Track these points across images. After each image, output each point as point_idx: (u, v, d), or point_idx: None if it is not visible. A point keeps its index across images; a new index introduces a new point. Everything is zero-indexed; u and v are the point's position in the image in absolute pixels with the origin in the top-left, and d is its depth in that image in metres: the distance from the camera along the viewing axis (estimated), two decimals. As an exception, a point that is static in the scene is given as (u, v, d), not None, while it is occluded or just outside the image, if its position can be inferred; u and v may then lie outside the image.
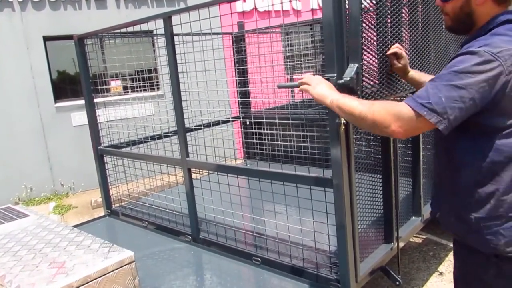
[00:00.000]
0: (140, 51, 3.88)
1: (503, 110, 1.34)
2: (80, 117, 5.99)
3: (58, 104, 6.10)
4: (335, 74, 1.83)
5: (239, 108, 4.64)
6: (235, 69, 4.54)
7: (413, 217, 2.84)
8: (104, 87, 3.43)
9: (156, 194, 3.37)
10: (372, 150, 2.54)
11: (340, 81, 1.78)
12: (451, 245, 2.84)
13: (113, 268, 1.72)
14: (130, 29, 2.85)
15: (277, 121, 2.74)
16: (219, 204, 2.64)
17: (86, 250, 1.84)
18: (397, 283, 2.43)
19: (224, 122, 4.24)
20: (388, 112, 1.42)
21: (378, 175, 2.50)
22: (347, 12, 1.83)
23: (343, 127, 1.86)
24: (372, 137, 2.53)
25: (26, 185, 5.96)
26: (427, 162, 2.98)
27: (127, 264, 1.76)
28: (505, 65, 1.30)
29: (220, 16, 2.41)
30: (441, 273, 3.26)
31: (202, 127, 3.20)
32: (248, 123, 4.73)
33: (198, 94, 3.18)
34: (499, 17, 1.42)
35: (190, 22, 2.43)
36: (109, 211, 3.53)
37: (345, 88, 1.76)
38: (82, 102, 3.50)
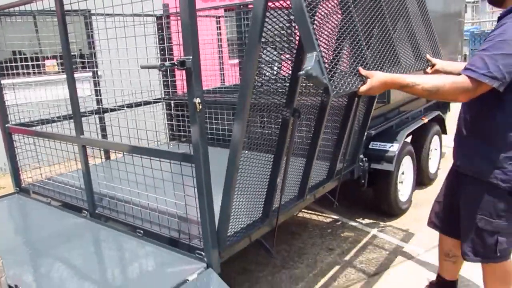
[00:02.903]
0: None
1: None
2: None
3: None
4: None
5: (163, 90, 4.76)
6: (158, 51, 4.63)
7: (297, 197, 3.04)
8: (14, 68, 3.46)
9: (66, 173, 3.45)
10: (268, 131, 2.70)
11: (302, 73, 1.71)
12: (352, 223, 3.22)
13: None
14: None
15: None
16: (116, 182, 2.77)
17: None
18: (271, 254, 2.64)
19: (146, 103, 4.37)
20: (457, 87, 1.83)
21: (270, 155, 2.65)
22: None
23: (200, 106, 2.03)
24: (271, 120, 2.69)
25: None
26: (324, 145, 3.18)
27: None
28: None
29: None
30: (331, 249, 3.51)
31: (116, 108, 3.29)
32: (172, 105, 4.86)
33: (118, 73, 3.22)
34: None
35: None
36: (18, 188, 3.58)
37: (311, 80, 1.73)
38: (16, 81, 3.52)
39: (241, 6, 4.68)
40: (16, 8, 3.05)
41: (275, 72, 6.56)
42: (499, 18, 1.97)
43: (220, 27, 5.06)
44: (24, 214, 3.27)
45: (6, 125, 3.45)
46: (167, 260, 2.32)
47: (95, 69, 3.64)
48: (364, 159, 3.71)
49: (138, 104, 4.35)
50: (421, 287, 2.87)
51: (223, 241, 2.32)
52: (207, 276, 2.18)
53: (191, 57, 1.96)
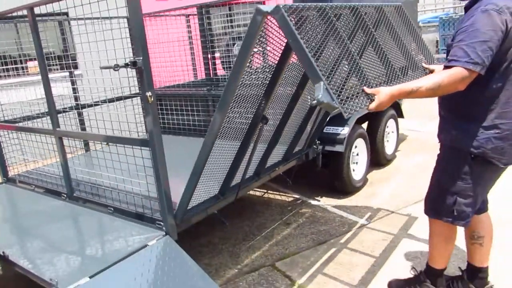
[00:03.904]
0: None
1: (503, 50, 2.05)
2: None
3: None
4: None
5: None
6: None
7: (253, 176, 3.45)
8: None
9: (48, 164, 3.84)
10: (240, 121, 3.02)
11: (314, 102, 1.85)
12: (310, 201, 3.68)
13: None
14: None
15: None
16: (90, 168, 3.17)
17: None
18: (224, 224, 3.06)
19: (118, 99, 4.74)
20: (455, 78, 2.01)
21: (237, 143, 2.99)
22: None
23: (151, 99, 2.42)
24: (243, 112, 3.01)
25: None
26: (288, 132, 3.54)
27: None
28: (507, 17, 2.00)
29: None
30: (288, 223, 3.94)
31: (94, 104, 3.67)
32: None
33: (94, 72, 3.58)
34: None
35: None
36: (5, 178, 3.96)
37: (323, 106, 1.86)
38: (13, 81, 3.87)
39: (202, 7, 5.03)
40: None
41: (250, 65, 6.99)
42: (466, 9, 2.20)
43: (189, 25, 5.42)
44: (11, 200, 3.66)
45: (-9, 122, 3.82)
46: (132, 230, 2.73)
47: (72, 70, 4.02)
48: (317, 142, 4.12)
49: (111, 100, 4.72)
50: (360, 249, 3.31)
51: (182, 214, 2.73)
52: (164, 241, 2.59)
53: (141, 58, 2.35)
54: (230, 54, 6.22)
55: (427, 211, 2.52)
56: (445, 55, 2.37)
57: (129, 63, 2.35)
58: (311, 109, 3.51)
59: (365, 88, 2.04)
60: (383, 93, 2.01)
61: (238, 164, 3.00)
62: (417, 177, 4.75)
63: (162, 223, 2.68)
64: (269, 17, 2.08)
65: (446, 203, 2.36)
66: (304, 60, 1.90)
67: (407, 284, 2.70)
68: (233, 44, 6.55)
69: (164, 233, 2.64)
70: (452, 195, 2.33)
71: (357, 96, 1.99)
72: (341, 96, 1.88)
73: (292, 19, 1.95)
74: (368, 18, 2.57)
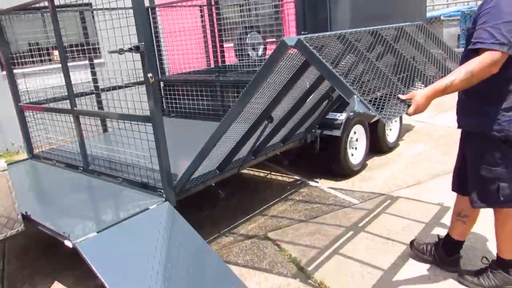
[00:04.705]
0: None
1: None
2: (27, 84, 6.75)
3: (4, 73, 6.84)
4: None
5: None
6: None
7: (250, 156, 3.75)
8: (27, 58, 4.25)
9: (68, 142, 4.26)
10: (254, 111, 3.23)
11: (351, 114, 2.10)
12: (310, 182, 3.94)
13: (-9, 172, 2.60)
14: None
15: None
16: (103, 144, 3.55)
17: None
18: (220, 195, 3.39)
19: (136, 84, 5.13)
20: (485, 63, 2.01)
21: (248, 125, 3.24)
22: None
23: (152, 80, 2.76)
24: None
25: (-21, 143, 6.78)
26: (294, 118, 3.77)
27: (2, 171, 2.65)
28: None
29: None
30: (285, 200, 4.24)
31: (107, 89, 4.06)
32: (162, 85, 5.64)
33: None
34: None
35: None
36: (31, 155, 4.41)
37: (360, 116, 2.14)
38: (26, 70, 4.31)
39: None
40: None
41: (260, 54, 7.29)
42: None
43: (202, 15, 5.75)
44: (35, 173, 4.10)
45: (19, 104, 4.26)
46: (137, 197, 3.09)
47: (92, 57, 4.41)
48: (316, 126, 4.39)
49: (127, 85, 5.10)
50: (346, 224, 3.58)
51: (181, 186, 3.06)
52: (163, 206, 2.94)
53: (143, 43, 2.68)
54: (243, 42, 6.54)
55: (476, 203, 2.47)
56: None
57: (132, 48, 2.68)
58: (320, 102, 3.70)
59: (399, 95, 2.08)
60: (419, 96, 2.04)
61: (239, 149, 3.29)
62: (415, 164, 4.96)
63: (162, 191, 3.02)
64: (292, 50, 2.22)
65: (490, 191, 2.36)
66: (334, 81, 2.01)
67: (479, 273, 2.65)
68: (246, 33, 6.86)
69: (164, 200, 2.98)
70: (494, 181, 2.34)
71: (394, 103, 2.06)
72: (376, 104, 1.94)
73: (314, 48, 2.08)
74: (387, 35, 2.72)
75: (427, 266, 2.89)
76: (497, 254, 2.60)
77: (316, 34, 2.25)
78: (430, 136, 6.01)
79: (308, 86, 3.19)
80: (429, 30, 3.22)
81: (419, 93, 2.06)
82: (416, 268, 2.88)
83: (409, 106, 2.05)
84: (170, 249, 2.64)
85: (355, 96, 1.90)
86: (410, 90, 2.19)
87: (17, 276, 3.23)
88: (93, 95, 4.78)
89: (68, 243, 2.52)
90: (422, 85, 2.35)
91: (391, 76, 2.26)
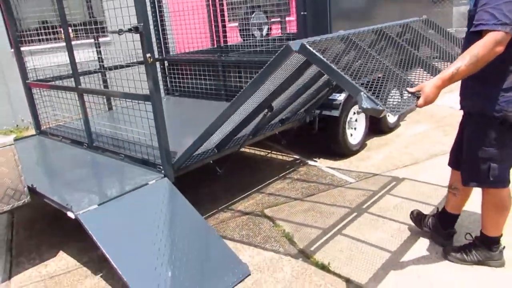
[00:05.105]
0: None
1: None
2: (34, 61, 6.88)
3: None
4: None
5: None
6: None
7: (248, 135, 3.85)
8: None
9: (73, 119, 4.39)
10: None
11: (359, 111, 2.15)
12: (309, 161, 4.03)
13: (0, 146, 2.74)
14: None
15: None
16: (105, 121, 3.68)
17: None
18: (218, 172, 3.51)
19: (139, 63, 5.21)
20: (489, 45, 2.02)
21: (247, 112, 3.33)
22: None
23: (151, 60, 2.85)
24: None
25: (-10, 119, 6.98)
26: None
27: (9, 145, 2.79)
28: None
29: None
30: (284, 179, 4.35)
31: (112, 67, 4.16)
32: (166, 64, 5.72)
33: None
34: None
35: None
36: (39, 131, 4.56)
37: (368, 112, 1.99)
38: (34, 48, 4.42)
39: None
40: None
41: (264, 34, 7.29)
42: None
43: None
44: (42, 148, 4.26)
45: (27, 81, 4.39)
46: (137, 173, 3.23)
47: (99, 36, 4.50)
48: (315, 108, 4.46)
49: (129, 65, 5.17)
50: (340, 202, 3.69)
51: (180, 164, 3.19)
52: (162, 182, 3.07)
53: (142, 23, 2.76)
54: (249, 22, 6.57)
55: (466, 181, 2.56)
56: None
57: (132, 29, 2.77)
58: (321, 89, 3.75)
59: (408, 89, 2.13)
60: (427, 87, 2.07)
61: (238, 131, 3.40)
62: (413, 144, 5.02)
63: (161, 167, 3.15)
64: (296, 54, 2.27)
65: (481, 170, 2.43)
66: (340, 80, 2.06)
67: (462, 249, 2.75)
68: (252, 13, 6.87)
69: (163, 176, 3.11)
70: (485, 161, 2.40)
71: (402, 97, 2.10)
72: (383, 99, 1.96)
73: (318, 51, 2.14)
74: (392, 32, 2.76)
75: (415, 242, 3.01)
76: (481, 231, 2.71)
77: (319, 37, 2.30)
78: (432, 117, 6.05)
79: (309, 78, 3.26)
80: (435, 23, 3.26)
81: (427, 84, 2.09)
82: (404, 244, 2.99)
83: (418, 98, 2.09)
84: (166, 221, 2.78)
85: (362, 93, 1.93)
86: (414, 79, 2.23)
87: (25, 246, 3.41)
88: (99, 74, 4.89)
89: (70, 214, 2.67)
90: (430, 76, 2.40)
91: (391, 66, 2.29)
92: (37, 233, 3.61)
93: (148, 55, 2.82)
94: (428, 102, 2.09)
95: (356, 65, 2.19)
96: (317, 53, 2.13)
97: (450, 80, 2.09)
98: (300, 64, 2.70)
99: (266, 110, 3.13)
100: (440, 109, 6.36)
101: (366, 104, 1.90)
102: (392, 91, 2.13)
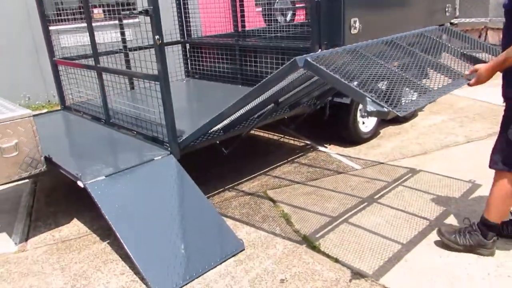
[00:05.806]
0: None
1: None
2: (67, 40, 7.20)
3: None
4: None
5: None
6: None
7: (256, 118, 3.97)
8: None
9: (97, 97, 4.64)
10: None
11: (365, 114, 2.28)
12: (319, 147, 4.21)
13: (19, 117, 2.98)
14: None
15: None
16: (121, 99, 3.89)
17: (2, 109, 3.11)
18: (224, 153, 3.66)
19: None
20: None
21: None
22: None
23: (159, 41, 3.00)
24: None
25: (24, 94, 7.37)
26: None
27: (27, 117, 3.02)
28: None
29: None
30: (292, 163, 4.47)
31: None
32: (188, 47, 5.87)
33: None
34: None
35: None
36: (63, 106, 4.84)
37: (374, 115, 2.07)
38: (69, 26, 4.68)
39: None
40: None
41: (288, 19, 7.38)
42: None
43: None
44: (64, 122, 4.53)
45: (53, 58, 4.65)
46: (146, 149, 3.42)
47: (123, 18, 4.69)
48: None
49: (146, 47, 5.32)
50: (342, 188, 3.77)
51: (186, 143, 3.35)
52: (167, 159, 3.25)
53: (152, 6, 2.91)
54: (272, 7, 6.62)
55: (493, 164, 2.60)
56: None
57: (142, 11, 2.92)
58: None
59: (465, 73, 2.47)
60: (483, 69, 2.36)
61: (246, 118, 3.55)
62: (427, 135, 5.01)
63: (168, 145, 3.33)
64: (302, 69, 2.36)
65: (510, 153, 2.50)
66: (346, 90, 2.12)
67: (457, 232, 2.79)
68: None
69: (169, 153, 3.29)
70: None
71: (414, 97, 2.21)
72: (390, 101, 2.02)
73: (323, 64, 2.21)
74: (403, 41, 2.81)
75: (408, 228, 3.07)
76: (483, 215, 2.71)
77: (329, 52, 2.37)
78: (450, 108, 5.97)
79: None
80: (452, 30, 3.26)
81: (482, 65, 2.36)
82: (398, 230, 3.07)
83: (469, 80, 2.38)
84: (168, 195, 2.97)
85: (367, 98, 1.99)
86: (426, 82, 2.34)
87: (43, 212, 3.69)
88: (121, 54, 5.10)
89: (80, 183, 2.89)
90: (441, 75, 2.52)
91: (399, 71, 2.36)
92: (56, 201, 3.89)
93: (157, 37, 2.97)
94: (480, 82, 2.36)
95: (362, 72, 2.27)
96: (321, 67, 2.20)
97: (503, 63, 2.30)
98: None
99: (273, 104, 3.25)
100: (460, 100, 6.27)
101: (371, 107, 1.95)
102: (403, 92, 2.20)
